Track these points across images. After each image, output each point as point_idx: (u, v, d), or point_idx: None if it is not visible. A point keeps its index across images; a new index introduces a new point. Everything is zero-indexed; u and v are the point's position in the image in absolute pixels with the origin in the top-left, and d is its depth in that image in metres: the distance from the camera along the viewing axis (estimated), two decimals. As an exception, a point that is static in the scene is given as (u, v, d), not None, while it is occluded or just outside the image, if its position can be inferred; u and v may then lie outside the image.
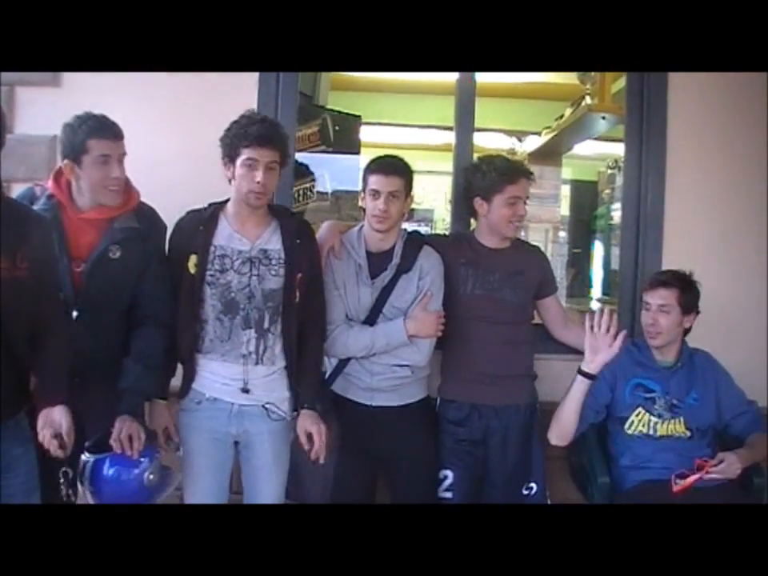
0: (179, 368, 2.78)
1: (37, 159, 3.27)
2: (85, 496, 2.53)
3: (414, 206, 5.72)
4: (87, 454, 2.53)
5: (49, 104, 3.29)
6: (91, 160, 2.54)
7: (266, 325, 2.71)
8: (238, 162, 2.64)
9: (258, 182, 2.62)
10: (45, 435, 2.27)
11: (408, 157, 3.00)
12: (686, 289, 3.00)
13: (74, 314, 2.60)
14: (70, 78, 3.31)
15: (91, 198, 2.59)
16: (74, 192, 2.62)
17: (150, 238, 2.69)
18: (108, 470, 2.51)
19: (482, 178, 3.04)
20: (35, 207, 2.57)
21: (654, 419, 2.96)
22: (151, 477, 2.55)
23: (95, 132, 2.53)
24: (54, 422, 2.28)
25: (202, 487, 2.73)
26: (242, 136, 2.62)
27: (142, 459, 2.55)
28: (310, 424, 2.69)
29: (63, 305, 2.52)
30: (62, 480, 2.41)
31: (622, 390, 3.00)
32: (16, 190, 3.08)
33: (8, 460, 2.23)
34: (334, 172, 4.66)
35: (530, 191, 3.07)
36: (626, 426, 2.98)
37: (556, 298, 3.28)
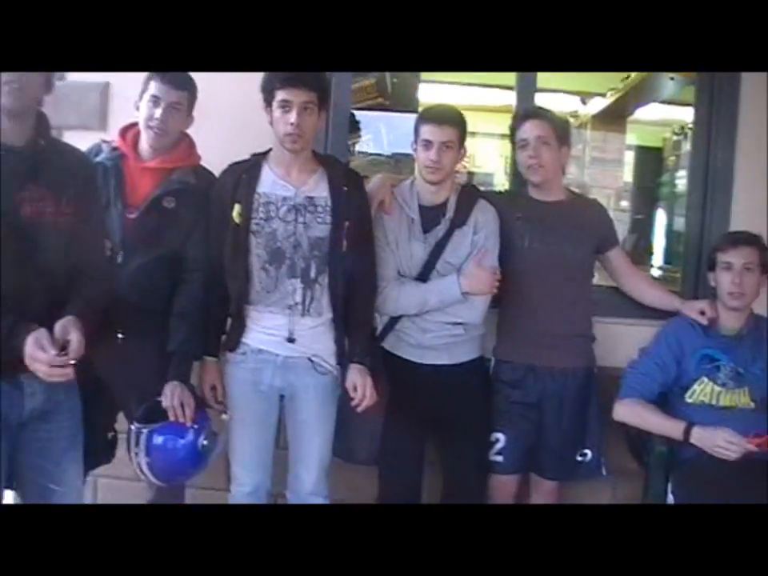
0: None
1: (89, 106, 3.23)
2: (139, 466, 2.54)
3: (473, 169, 5.68)
4: (137, 424, 2.53)
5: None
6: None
7: (312, 275, 2.65)
8: (274, 104, 2.59)
9: (292, 124, 2.56)
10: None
11: (467, 118, 2.86)
12: (764, 248, 2.89)
13: (119, 259, 2.63)
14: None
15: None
16: (139, 144, 2.71)
17: (205, 194, 2.72)
18: (163, 440, 2.53)
19: None
20: (98, 158, 2.68)
21: (717, 388, 2.84)
22: (205, 442, 2.57)
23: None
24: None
25: (247, 440, 2.71)
26: (275, 78, 2.57)
27: (195, 426, 2.55)
28: (357, 377, 2.65)
29: (107, 253, 2.52)
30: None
31: (689, 362, 2.89)
32: (68, 137, 3.07)
33: (51, 405, 2.21)
34: (390, 128, 4.61)
35: (551, 133, 2.90)
36: (687, 394, 2.87)
37: (620, 250, 3.16)
